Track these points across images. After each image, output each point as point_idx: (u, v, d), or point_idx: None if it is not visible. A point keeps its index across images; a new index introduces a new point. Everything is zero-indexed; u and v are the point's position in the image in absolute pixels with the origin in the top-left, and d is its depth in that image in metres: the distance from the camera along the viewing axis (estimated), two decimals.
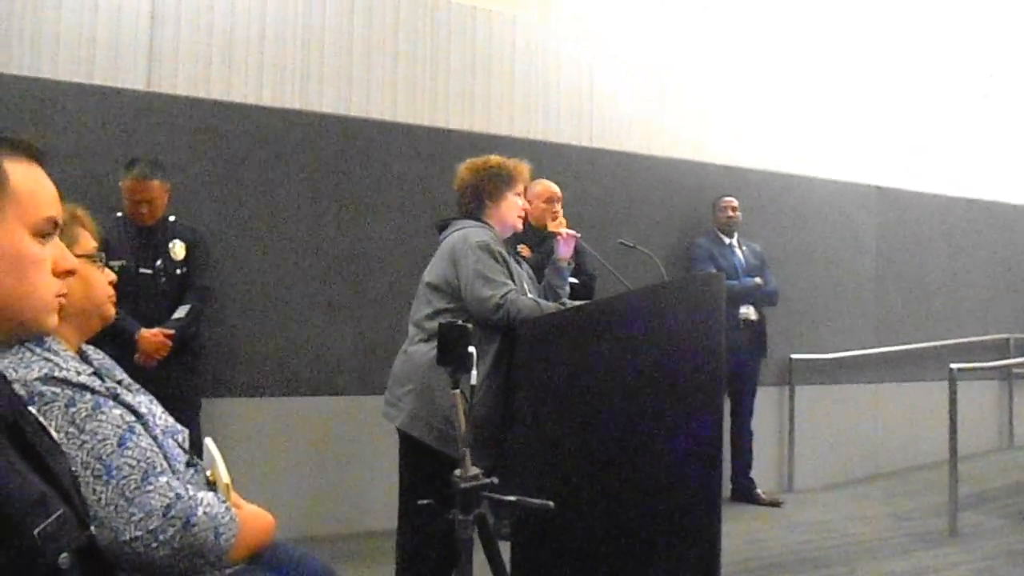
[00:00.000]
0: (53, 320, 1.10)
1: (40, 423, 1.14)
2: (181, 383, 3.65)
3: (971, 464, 5.60)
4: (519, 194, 2.97)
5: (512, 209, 2.94)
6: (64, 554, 0.97)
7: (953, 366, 4.53)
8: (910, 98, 6.46)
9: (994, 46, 6.89)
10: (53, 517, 0.97)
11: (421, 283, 2.88)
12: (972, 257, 6.66)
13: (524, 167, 2.98)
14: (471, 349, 1.90)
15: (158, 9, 4.14)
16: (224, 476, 1.67)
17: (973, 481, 5.35)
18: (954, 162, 6.63)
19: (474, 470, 1.85)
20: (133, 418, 1.52)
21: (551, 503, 1.83)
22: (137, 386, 1.73)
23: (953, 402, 4.49)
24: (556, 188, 4.38)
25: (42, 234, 1.06)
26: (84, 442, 1.42)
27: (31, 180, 1.06)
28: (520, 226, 3.03)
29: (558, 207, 4.15)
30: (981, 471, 5.80)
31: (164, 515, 1.41)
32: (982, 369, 5.43)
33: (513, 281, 2.75)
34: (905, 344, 6.15)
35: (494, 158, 2.95)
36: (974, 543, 4.29)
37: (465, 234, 2.80)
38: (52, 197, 1.09)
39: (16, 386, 1.37)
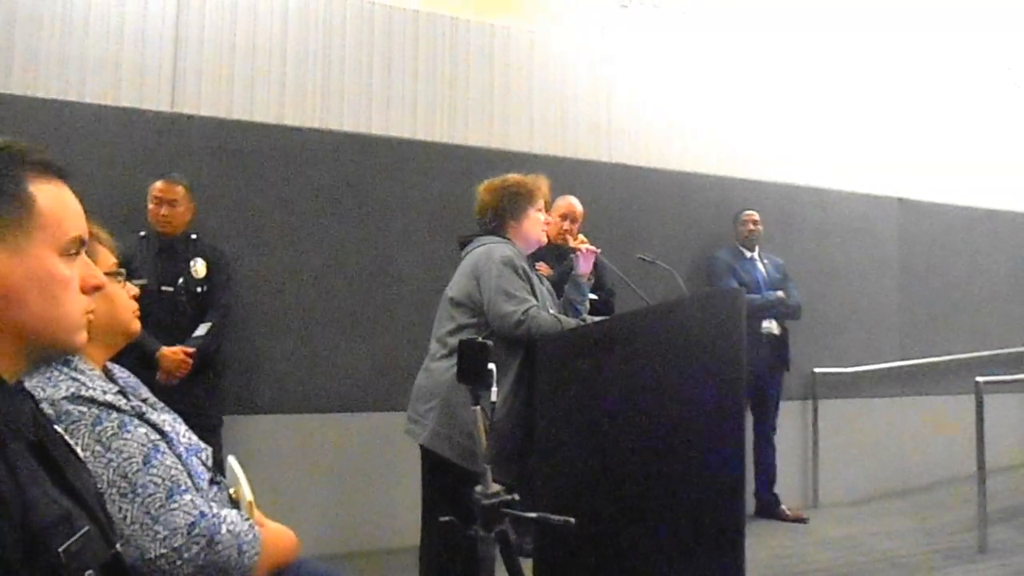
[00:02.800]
0: (82, 337, 1.10)
1: (66, 442, 1.16)
2: (203, 401, 3.68)
3: (1000, 478, 5.51)
4: (540, 209, 2.98)
5: (535, 225, 2.95)
6: (89, 571, 0.98)
7: (979, 379, 4.46)
8: (931, 109, 6.41)
9: (1018, 53, 6.82)
10: (78, 535, 0.98)
11: (443, 299, 2.89)
12: (997, 268, 6.57)
13: (543, 181, 2.99)
14: (491, 366, 1.90)
15: (181, 32, 4.21)
16: (247, 494, 1.68)
17: (1002, 496, 5.26)
18: (976, 173, 6.56)
19: (495, 487, 1.84)
20: (158, 436, 1.53)
21: (572, 519, 1.82)
22: (161, 404, 1.75)
23: (980, 415, 4.42)
24: (578, 206, 4.38)
25: (68, 253, 1.06)
26: (110, 460, 1.43)
27: (57, 201, 1.06)
28: (545, 240, 3.04)
29: (571, 226, 4.15)
30: (1010, 485, 5.70)
31: (188, 533, 1.42)
32: (1009, 382, 5.35)
33: (536, 297, 2.76)
34: (930, 357, 6.07)
35: (512, 177, 2.96)
36: (1004, 559, 4.22)
37: (488, 250, 2.81)
38: (78, 216, 1.09)
39: (44, 405, 1.39)
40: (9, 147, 1.03)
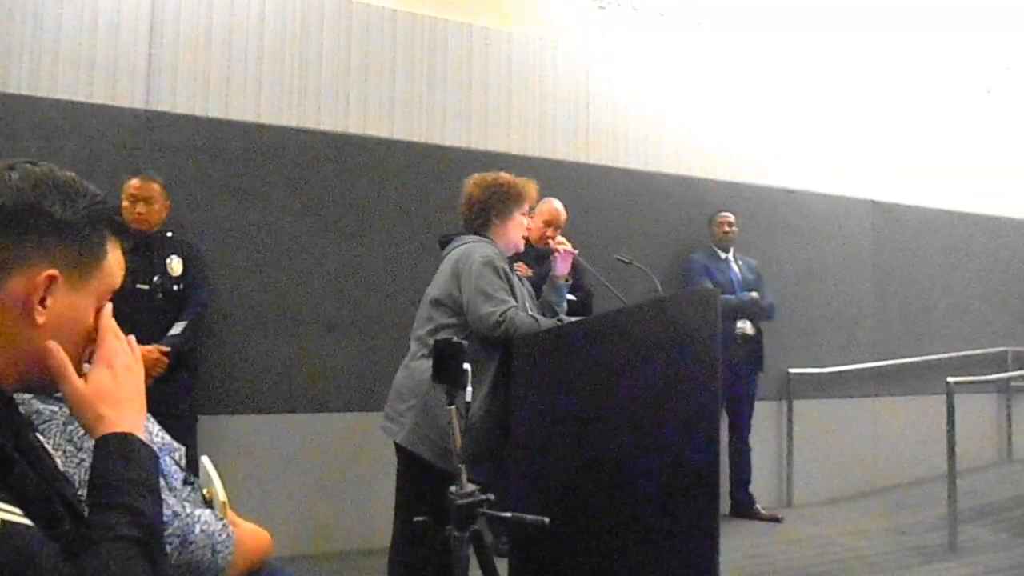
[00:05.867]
0: None
1: (45, 448, 1.16)
2: (178, 400, 3.65)
3: (970, 478, 5.60)
4: (525, 214, 2.97)
5: (517, 229, 2.95)
6: None
7: (950, 379, 4.53)
8: (905, 112, 6.49)
9: (991, 58, 6.93)
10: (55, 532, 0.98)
11: (425, 298, 2.89)
12: (969, 270, 6.67)
13: (532, 187, 2.98)
14: (466, 366, 1.90)
15: (157, 28, 4.17)
16: (221, 494, 1.67)
17: (972, 495, 5.34)
18: (949, 176, 6.65)
19: (470, 486, 1.85)
20: None
21: (546, 519, 1.83)
22: None
23: (951, 416, 4.48)
24: (561, 212, 4.38)
25: (101, 302, 1.15)
26: (82, 460, 1.42)
27: (116, 259, 1.16)
28: (522, 246, 3.04)
29: (553, 232, 4.16)
30: (980, 485, 5.79)
31: None
32: (980, 382, 5.43)
33: (515, 298, 2.76)
34: (903, 358, 6.15)
35: (504, 175, 2.94)
36: (974, 557, 4.28)
37: (469, 250, 2.81)
38: (121, 272, 1.18)
39: None
40: (102, 204, 1.12)
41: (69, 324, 1.08)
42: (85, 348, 1.13)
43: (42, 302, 1.04)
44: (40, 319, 1.04)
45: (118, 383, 1.15)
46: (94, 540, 1.00)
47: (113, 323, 1.18)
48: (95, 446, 1.12)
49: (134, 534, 1.02)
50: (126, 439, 1.12)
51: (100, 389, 1.14)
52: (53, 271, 1.04)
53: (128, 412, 1.15)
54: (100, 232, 1.11)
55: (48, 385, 1.13)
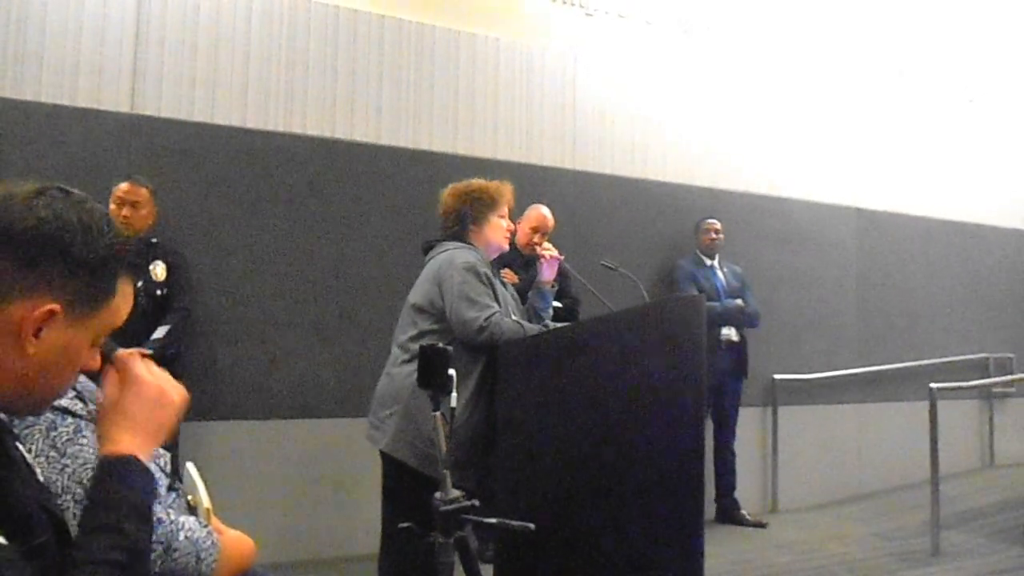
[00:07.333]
0: (45, 410, 1.26)
1: (25, 458, 1.15)
2: None
3: (953, 483, 5.63)
4: (503, 216, 2.99)
5: (496, 231, 2.96)
6: None
7: (933, 385, 4.56)
8: (889, 121, 6.54)
9: (974, 68, 7.00)
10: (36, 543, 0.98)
11: (406, 304, 2.89)
12: (952, 278, 6.73)
13: (507, 188, 3.01)
14: (451, 371, 1.90)
15: (142, 31, 4.15)
16: (205, 500, 1.66)
17: (955, 500, 5.37)
18: (933, 184, 6.71)
19: (455, 492, 1.85)
20: None
21: (531, 525, 1.83)
22: None
23: (934, 421, 4.51)
24: (548, 218, 4.38)
25: (99, 337, 1.14)
26: (65, 466, 1.41)
27: (124, 300, 1.17)
28: (507, 246, 3.05)
29: (539, 238, 4.16)
30: (963, 490, 5.82)
31: None
32: (962, 388, 5.47)
33: (498, 303, 2.76)
34: (886, 364, 6.19)
35: (476, 182, 2.97)
36: (957, 562, 4.31)
37: (451, 255, 2.81)
38: (127, 310, 1.20)
39: None
40: (122, 246, 1.12)
41: (60, 357, 1.06)
42: (73, 379, 1.13)
43: (37, 333, 1.02)
44: (31, 350, 1.02)
45: (138, 408, 1.18)
46: (78, 562, 0.99)
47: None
48: (97, 465, 1.13)
49: (118, 558, 1.01)
50: (126, 461, 1.12)
51: (115, 411, 1.17)
52: (55, 306, 1.02)
53: (138, 436, 1.16)
54: (113, 272, 1.10)
55: (27, 410, 1.14)
